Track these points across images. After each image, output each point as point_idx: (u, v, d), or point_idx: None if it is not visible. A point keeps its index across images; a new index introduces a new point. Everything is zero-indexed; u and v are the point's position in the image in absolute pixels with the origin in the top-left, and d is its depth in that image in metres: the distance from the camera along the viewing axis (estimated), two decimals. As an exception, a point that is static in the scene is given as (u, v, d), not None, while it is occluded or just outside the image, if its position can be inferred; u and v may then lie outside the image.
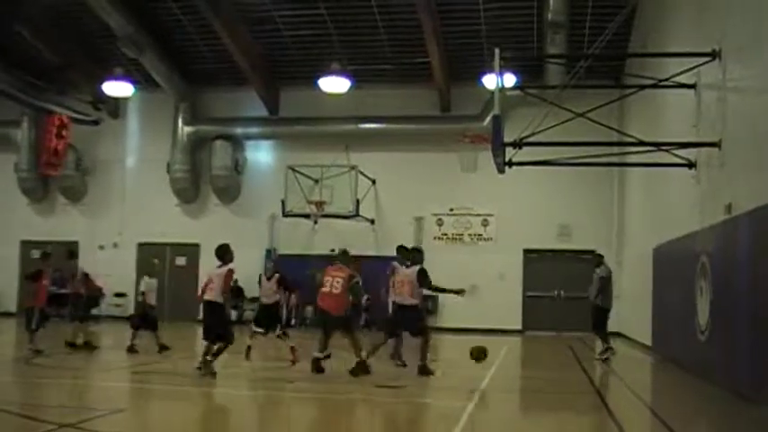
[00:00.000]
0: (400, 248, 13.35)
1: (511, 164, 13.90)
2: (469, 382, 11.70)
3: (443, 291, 12.89)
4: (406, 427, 8.97)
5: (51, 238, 27.21)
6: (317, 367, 12.02)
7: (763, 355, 9.49)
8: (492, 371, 12.98)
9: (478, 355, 12.41)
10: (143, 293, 15.46)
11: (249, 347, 14.03)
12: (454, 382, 12.24)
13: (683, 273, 14.00)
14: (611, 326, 22.15)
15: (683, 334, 14.01)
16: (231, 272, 11.83)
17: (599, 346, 16.18)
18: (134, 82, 24.74)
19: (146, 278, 15.66)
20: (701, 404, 10.70)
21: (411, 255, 12.95)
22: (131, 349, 14.80)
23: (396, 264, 12.85)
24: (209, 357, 11.50)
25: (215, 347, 11.55)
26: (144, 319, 15.24)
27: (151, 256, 19.68)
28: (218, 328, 11.71)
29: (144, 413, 9.33)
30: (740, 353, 10.51)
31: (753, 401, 9.71)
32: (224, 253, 12.07)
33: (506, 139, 13.69)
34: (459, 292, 12.55)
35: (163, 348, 14.82)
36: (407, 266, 12.58)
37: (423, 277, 12.32)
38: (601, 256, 16.98)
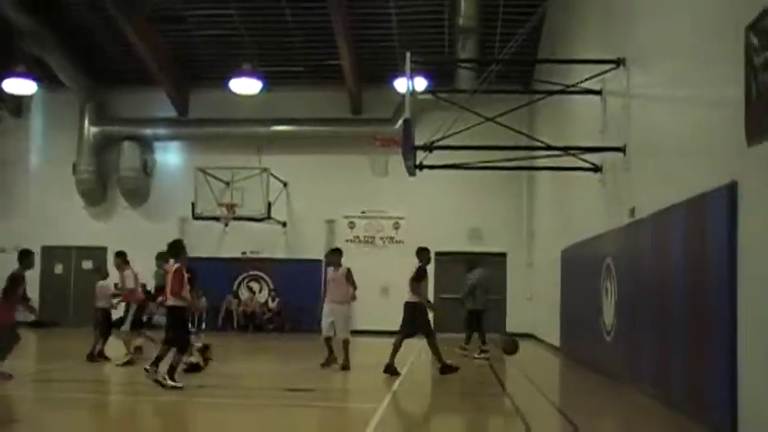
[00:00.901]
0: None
1: (422, 167, 14.02)
2: (381, 384, 11.72)
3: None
4: (314, 431, 8.91)
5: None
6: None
7: (664, 354, 9.77)
8: (404, 373, 13.03)
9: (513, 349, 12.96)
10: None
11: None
12: (365, 384, 12.24)
13: (590, 275, 14.33)
14: (523, 327, 22.68)
15: (589, 335, 14.33)
16: (179, 270, 10.97)
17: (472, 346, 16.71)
18: (37, 80, 23.94)
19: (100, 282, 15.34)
20: (607, 403, 10.94)
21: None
22: (101, 355, 14.45)
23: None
24: (149, 366, 10.87)
25: (167, 355, 10.94)
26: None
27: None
28: (168, 333, 11.15)
29: (41, 423, 9.03)
30: (644, 352, 10.80)
31: (656, 399, 9.99)
32: (177, 250, 11.27)
33: (417, 143, 13.81)
34: None
35: (98, 357, 14.39)
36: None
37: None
38: (473, 261, 17.44)
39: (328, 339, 13.71)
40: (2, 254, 25.76)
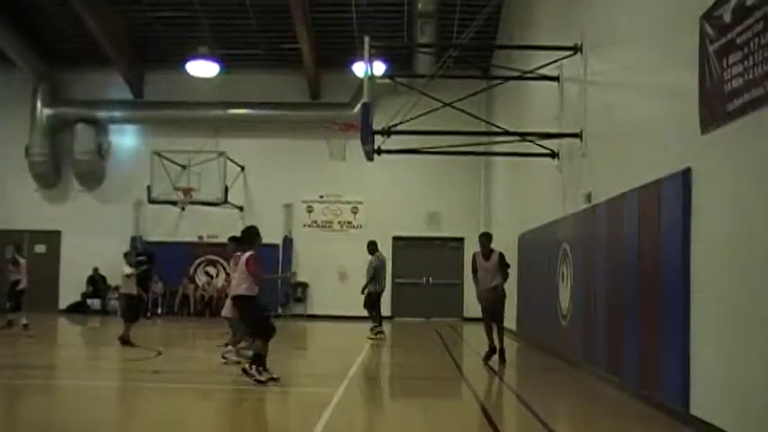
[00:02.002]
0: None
1: (380, 152, 14.01)
2: (338, 369, 11.73)
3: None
4: (272, 415, 8.89)
5: None
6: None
7: (618, 338, 9.89)
8: (361, 358, 13.05)
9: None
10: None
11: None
12: (323, 369, 12.24)
13: (547, 259, 14.46)
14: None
15: (546, 319, 14.47)
16: (250, 257, 10.18)
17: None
18: (-14, 59, 23.47)
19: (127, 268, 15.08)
20: (562, 387, 11.06)
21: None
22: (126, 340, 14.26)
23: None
24: (245, 363, 10.18)
25: (251, 347, 10.49)
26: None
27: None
28: (247, 325, 10.73)
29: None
30: (598, 337, 10.93)
31: (611, 384, 10.12)
32: (253, 237, 10.53)
33: (375, 128, 13.78)
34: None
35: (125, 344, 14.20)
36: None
37: None
38: (375, 244, 17.55)
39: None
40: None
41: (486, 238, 13.12)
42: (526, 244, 17.21)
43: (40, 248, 25.75)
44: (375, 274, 17.12)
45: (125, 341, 14.19)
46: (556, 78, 13.83)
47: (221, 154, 23.12)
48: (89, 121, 25.26)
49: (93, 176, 25.76)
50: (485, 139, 17.48)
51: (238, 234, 11.32)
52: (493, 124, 17.20)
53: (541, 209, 15.37)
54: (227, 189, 23.03)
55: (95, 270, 24.94)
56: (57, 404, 9.27)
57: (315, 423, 7.58)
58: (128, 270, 14.84)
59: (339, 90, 24.35)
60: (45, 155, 25.23)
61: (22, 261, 17.82)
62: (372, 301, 17.26)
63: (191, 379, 10.85)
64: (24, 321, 16.81)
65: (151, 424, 7.94)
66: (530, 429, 7.83)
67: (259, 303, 10.42)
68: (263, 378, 9.79)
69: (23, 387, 10.08)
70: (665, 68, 8.75)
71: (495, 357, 12.61)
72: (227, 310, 12.06)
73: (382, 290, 17.47)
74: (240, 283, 10.21)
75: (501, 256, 12.82)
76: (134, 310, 14.82)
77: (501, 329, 12.97)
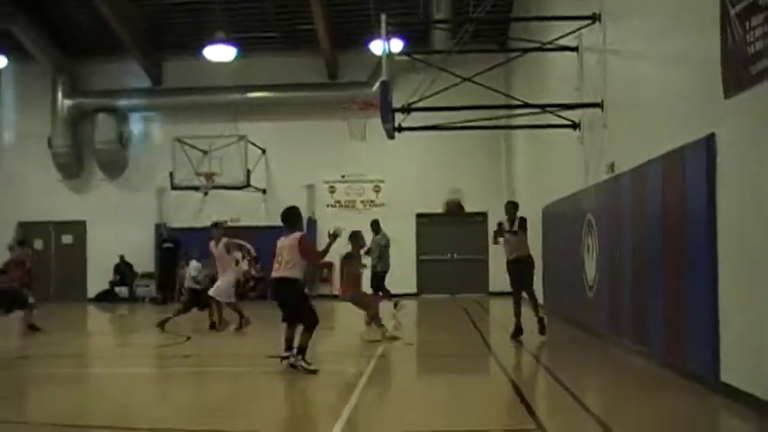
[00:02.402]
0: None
1: (400, 129, 13.98)
2: (366, 347, 11.78)
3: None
4: (300, 395, 8.93)
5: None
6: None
7: (644, 306, 9.85)
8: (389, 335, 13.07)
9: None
10: (194, 278, 15.20)
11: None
12: (351, 348, 12.28)
13: (571, 231, 14.39)
14: (506, 286, 22.80)
15: (572, 291, 14.43)
16: (304, 237, 9.80)
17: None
18: (6, 53, 23.58)
19: (193, 262, 15.42)
20: (590, 359, 11.03)
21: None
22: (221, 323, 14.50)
23: None
24: (291, 355, 9.59)
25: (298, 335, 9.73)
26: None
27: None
28: (294, 310, 9.87)
29: (28, 399, 9.01)
30: (625, 307, 10.89)
31: (637, 353, 10.09)
32: (294, 217, 10.02)
33: (395, 105, 13.74)
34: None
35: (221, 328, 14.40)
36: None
37: None
38: (378, 223, 17.45)
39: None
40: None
41: (512, 206, 13.06)
42: (550, 216, 17.14)
43: (67, 239, 26.02)
44: (381, 254, 17.04)
45: (221, 325, 14.39)
46: (575, 49, 13.71)
47: (242, 138, 23.14)
48: (109, 111, 25.40)
49: (115, 165, 25.92)
50: (504, 112, 17.40)
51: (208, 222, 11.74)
52: (512, 97, 17.09)
53: (564, 181, 15.29)
54: (249, 172, 23.07)
55: (121, 258, 25.13)
56: (103, 391, 9.39)
57: (346, 401, 7.64)
58: (194, 273, 15.02)
59: (356, 69, 24.29)
60: (67, 146, 25.42)
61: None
62: (378, 280, 17.16)
63: (220, 363, 10.94)
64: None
65: (190, 407, 8.01)
66: (560, 402, 7.83)
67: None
68: (313, 367, 9.38)
69: (58, 375, 10.20)
70: (685, 34, 8.65)
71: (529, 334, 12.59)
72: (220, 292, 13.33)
73: (388, 268, 17.34)
74: (288, 266, 9.57)
75: (521, 220, 12.75)
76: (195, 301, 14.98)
77: (533, 299, 12.90)
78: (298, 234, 9.74)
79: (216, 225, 14.45)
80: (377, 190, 25.33)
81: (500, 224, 12.92)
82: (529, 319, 12.78)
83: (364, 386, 8.60)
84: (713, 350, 7.59)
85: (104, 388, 9.54)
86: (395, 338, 12.52)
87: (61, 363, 11.44)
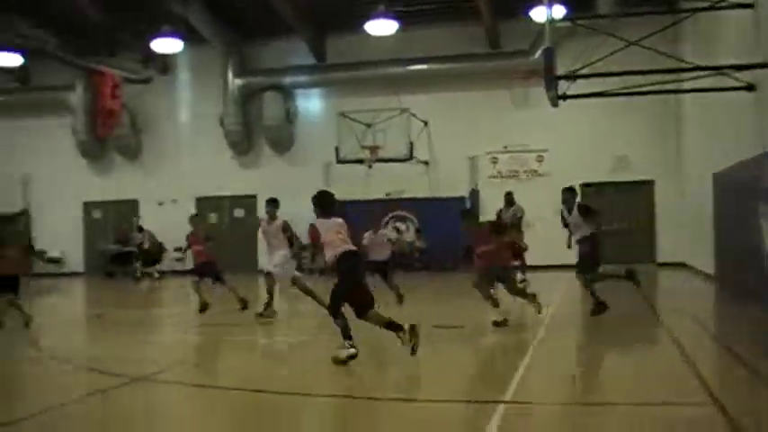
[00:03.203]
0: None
1: (564, 97, 13.77)
2: (531, 318, 11.75)
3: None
4: (471, 364, 9.04)
5: (112, 198, 27.97)
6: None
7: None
8: (552, 307, 12.99)
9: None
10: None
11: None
12: (517, 317, 12.27)
13: (746, 199, 13.76)
14: (674, 256, 22.18)
15: (748, 263, 13.81)
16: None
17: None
18: (182, 37, 24.81)
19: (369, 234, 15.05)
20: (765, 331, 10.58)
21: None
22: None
23: None
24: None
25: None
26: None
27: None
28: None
29: (211, 364, 9.56)
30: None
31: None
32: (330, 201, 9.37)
33: (558, 72, 13.53)
34: None
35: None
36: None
37: None
38: (511, 195, 17.07)
39: None
40: (160, 207, 27.32)
41: (569, 193, 12.52)
42: (723, 183, 16.43)
43: (239, 213, 27.24)
44: (519, 224, 16.92)
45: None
46: (750, 5, 13.02)
47: (404, 110, 23.39)
48: (276, 89, 26.29)
49: (282, 141, 26.84)
50: (673, 76, 16.76)
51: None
52: (681, 60, 16.45)
53: (738, 146, 14.60)
54: (411, 145, 23.32)
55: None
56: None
57: (516, 367, 7.75)
58: (391, 234, 14.83)
59: (518, 38, 23.99)
60: (238, 123, 26.55)
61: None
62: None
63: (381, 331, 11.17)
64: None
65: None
66: (734, 376, 7.58)
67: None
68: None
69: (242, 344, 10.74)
70: None
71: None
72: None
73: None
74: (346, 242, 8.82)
75: (578, 206, 12.22)
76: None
77: (585, 281, 12.25)
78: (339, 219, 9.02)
79: (273, 201, 13.88)
80: (540, 160, 25.00)
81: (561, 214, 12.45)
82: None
83: (534, 351, 8.59)
84: None
85: (277, 354, 9.97)
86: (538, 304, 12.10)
87: (253, 330, 12.00)
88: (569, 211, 12.31)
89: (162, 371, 8.49)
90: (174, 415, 6.86)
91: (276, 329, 12.19)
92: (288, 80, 26.39)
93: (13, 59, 23.66)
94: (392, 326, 8.50)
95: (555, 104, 14.03)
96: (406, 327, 8.44)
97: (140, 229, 25.56)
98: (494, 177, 25.18)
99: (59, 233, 28.39)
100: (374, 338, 8.99)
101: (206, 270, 14.13)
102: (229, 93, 26.42)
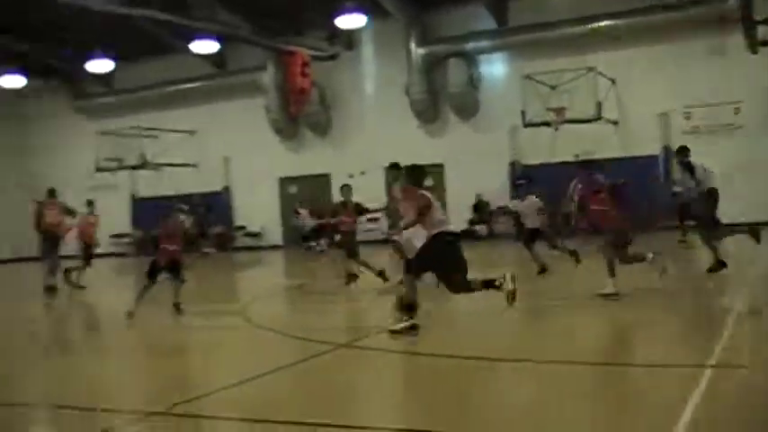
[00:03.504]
0: None
1: (765, 43, 13.05)
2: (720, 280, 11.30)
3: None
4: (642, 327, 8.86)
5: (306, 173, 29.03)
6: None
7: None
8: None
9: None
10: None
11: None
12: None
13: None
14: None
15: None
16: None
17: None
18: (365, 12, 25.26)
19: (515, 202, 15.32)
20: None
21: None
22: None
23: None
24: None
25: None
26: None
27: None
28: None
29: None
30: None
31: None
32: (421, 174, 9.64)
33: (757, 18, 12.84)
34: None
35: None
36: None
37: None
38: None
39: None
40: (350, 179, 28.05)
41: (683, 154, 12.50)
42: None
43: (427, 181, 27.47)
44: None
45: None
46: None
47: (591, 69, 22.82)
48: (459, 55, 26.29)
49: (467, 108, 26.87)
50: None
51: None
52: None
53: None
54: (599, 104, 22.74)
55: (479, 197, 26.14)
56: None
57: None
58: (540, 203, 14.48)
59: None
60: (423, 92, 26.82)
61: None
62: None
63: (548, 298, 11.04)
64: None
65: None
66: None
67: None
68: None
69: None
70: None
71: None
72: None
73: None
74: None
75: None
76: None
77: (705, 238, 11.99)
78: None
79: (396, 166, 13.36)
80: (736, 112, 23.67)
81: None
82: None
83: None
84: None
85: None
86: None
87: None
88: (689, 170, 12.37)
89: (361, 338, 8.86)
90: (385, 378, 7.20)
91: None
92: (470, 46, 26.33)
93: (211, 46, 24.89)
94: (489, 283, 8.79)
95: (755, 51, 13.33)
96: (507, 275, 8.73)
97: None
98: (687, 133, 24.06)
99: (258, 208, 29.84)
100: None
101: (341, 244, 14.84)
102: (413, 63, 26.69)
